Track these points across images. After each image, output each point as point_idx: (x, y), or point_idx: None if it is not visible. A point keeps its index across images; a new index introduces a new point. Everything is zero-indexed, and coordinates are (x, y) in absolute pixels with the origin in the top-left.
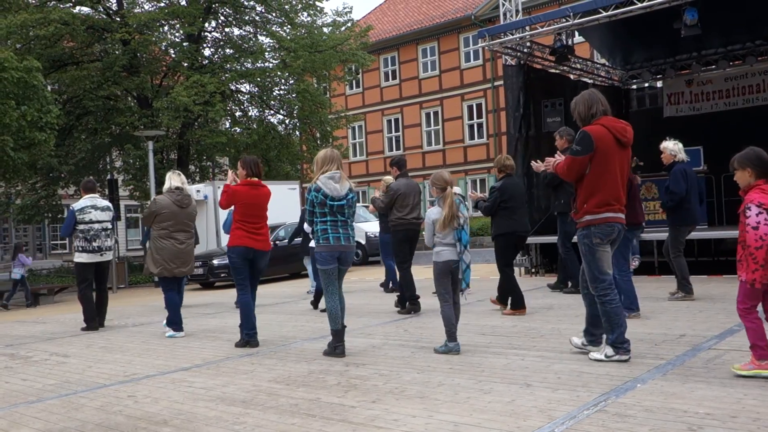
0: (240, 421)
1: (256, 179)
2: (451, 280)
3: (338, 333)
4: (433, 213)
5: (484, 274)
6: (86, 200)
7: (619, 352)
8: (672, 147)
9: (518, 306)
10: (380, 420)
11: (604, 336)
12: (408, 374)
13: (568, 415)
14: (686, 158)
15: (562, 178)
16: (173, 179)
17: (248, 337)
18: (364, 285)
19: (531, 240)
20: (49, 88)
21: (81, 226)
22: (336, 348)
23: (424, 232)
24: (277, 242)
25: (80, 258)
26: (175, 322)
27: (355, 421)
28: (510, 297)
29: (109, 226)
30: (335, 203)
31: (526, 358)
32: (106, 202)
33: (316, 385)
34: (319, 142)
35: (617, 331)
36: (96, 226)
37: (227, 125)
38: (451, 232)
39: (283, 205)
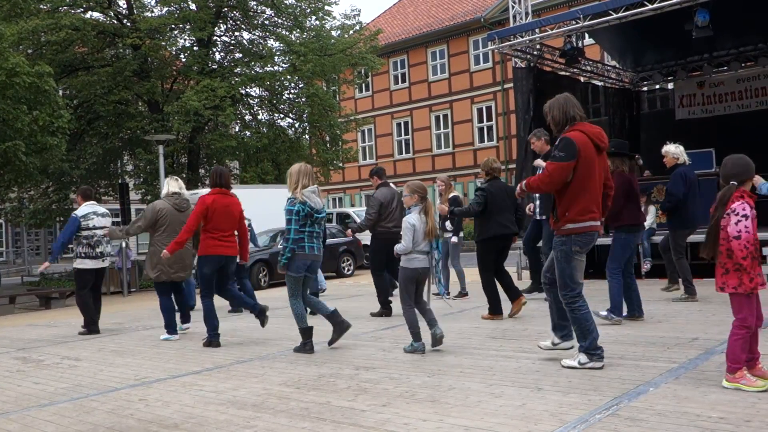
0: (250, 425)
1: (224, 188)
2: (415, 287)
3: (307, 331)
4: (413, 219)
5: None
6: (87, 207)
7: (593, 359)
8: (674, 150)
9: (496, 311)
10: (390, 424)
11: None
12: (418, 378)
13: (580, 419)
14: (688, 161)
15: (537, 192)
16: (171, 184)
17: (213, 337)
18: (373, 290)
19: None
20: (60, 92)
21: (85, 233)
22: (306, 345)
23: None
24: None
25: (83, 264)
26: (169, 325)
27: (365, 425)
28: (489, 301)
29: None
30: (318, 216)
31: (537, 362)
32: (104, 209)
33: (327, 388)
34: (328, 145)
35: (590, 338)
36: (99, 232)
37: (237, 129)
38: (427, 241)
39: None
